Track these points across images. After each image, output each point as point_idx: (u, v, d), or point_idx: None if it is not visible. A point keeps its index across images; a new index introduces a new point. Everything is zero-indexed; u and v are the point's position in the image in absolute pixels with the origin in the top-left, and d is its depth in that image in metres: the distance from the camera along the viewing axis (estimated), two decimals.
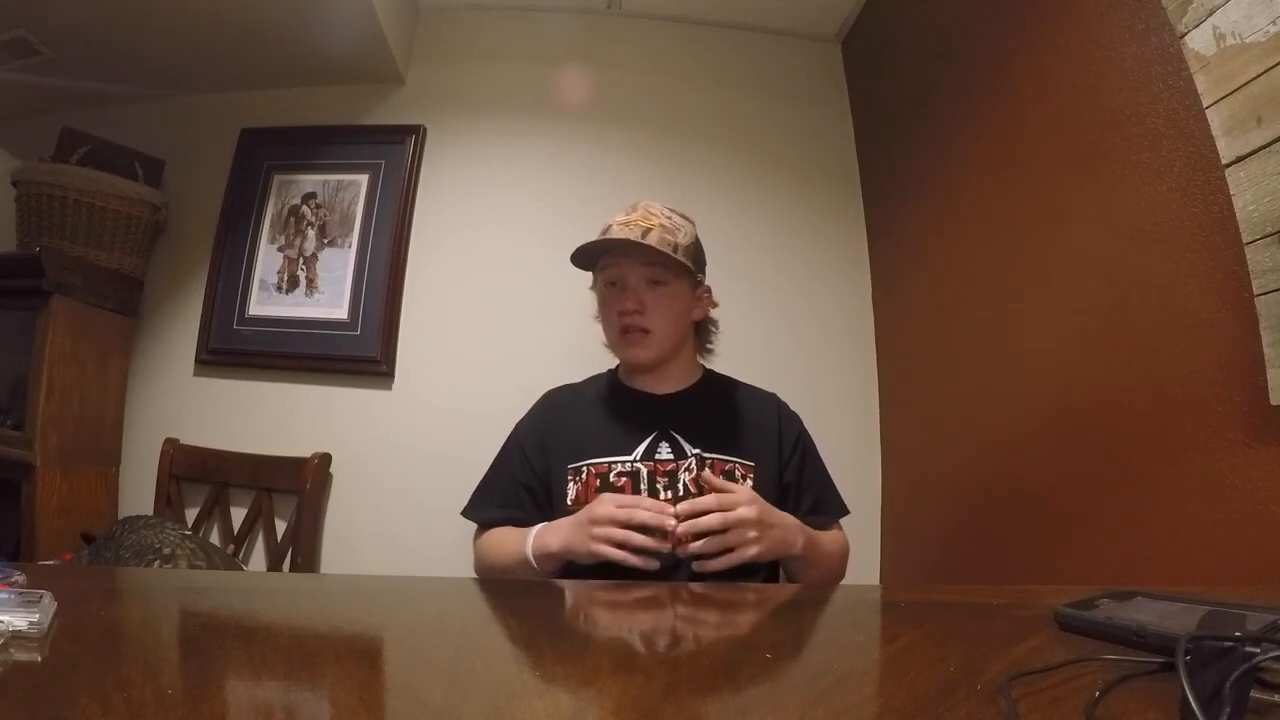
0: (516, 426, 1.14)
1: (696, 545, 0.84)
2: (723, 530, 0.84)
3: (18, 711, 0.32)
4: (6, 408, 1.63)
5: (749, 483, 1.01)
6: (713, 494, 0.86)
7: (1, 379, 1.66)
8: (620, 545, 0.84)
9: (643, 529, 0.84)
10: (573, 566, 0.91)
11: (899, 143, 1.68)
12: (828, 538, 1.00)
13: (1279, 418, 0.71)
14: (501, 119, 1.90)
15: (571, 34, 1.94)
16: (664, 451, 1.01)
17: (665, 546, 0.85)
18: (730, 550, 0.84)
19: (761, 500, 0.89)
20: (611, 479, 0.99)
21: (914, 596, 0.74)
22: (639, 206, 1.07)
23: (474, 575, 1.03)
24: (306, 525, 1.62)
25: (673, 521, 0.84)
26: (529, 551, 0.91)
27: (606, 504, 0.86)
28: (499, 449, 1.13)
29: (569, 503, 0.99)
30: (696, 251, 1.08)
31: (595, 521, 0.85)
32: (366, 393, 1.76)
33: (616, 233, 1.02)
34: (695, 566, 0.85)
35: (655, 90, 1.93)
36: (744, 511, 0.85)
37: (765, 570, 1.05)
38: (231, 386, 1.80)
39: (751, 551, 0.84)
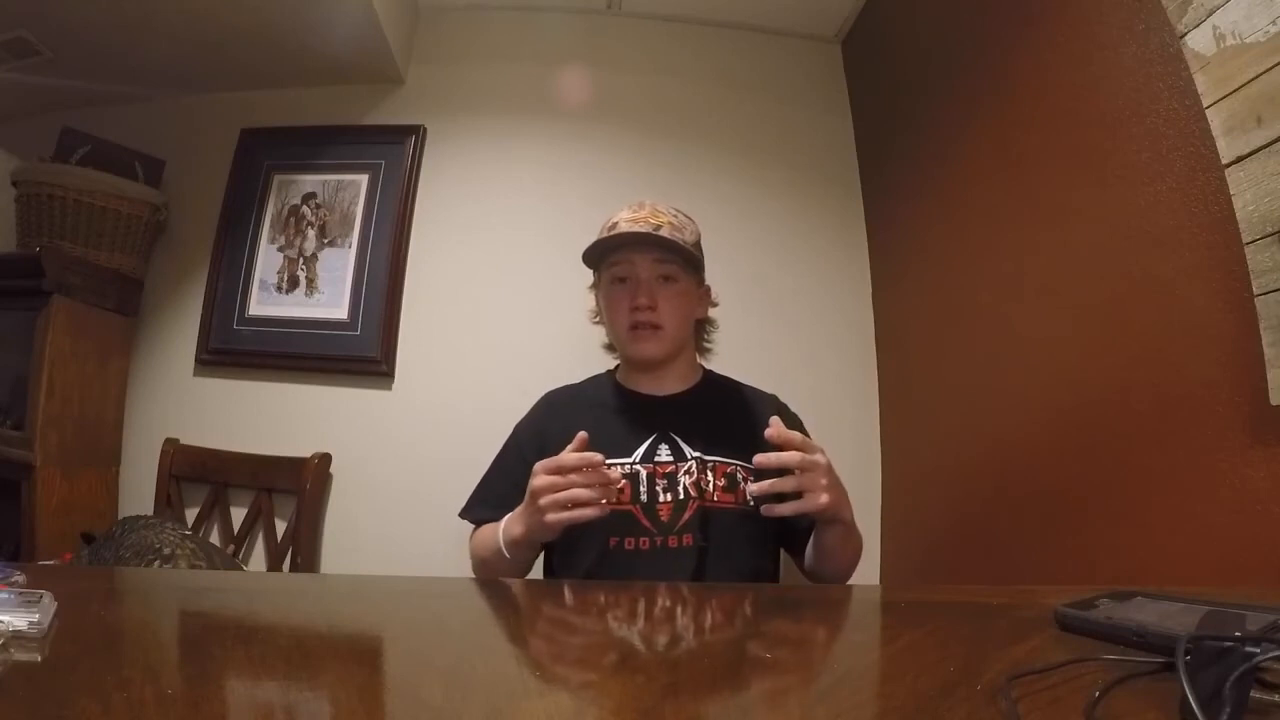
0: (516, 428, 1.14)
1: (767, 485, 0.82)
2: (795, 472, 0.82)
3: (18, 711, 0.32)
4: (6, 408, 1.63)
5: (751, 486, 1.00)
6: (796, 436, 0.84)
7: (1, 379, 1.66)
8: (572, 503, 0.83)
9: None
10: (563, 550, 0.91)
11: (899, 143, 1.68)
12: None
13: (1279, 418, 0.71)
14: (501, 119, 1.90)
15: (571, 34, 1.94)
16: (663, 453, 1.01)
17: (614, 485, 0.85)
18: (798, 496, 0.82)
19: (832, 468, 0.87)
20: None
21: (914, 596, 0.74)
22: (646, 205, 1.07)
23: (473, 575, 1.03)
24: (306, 525, 1.62)
25: (599, 456, 0.84)
26: (501, 542, 0.92)
27: (538, 475, 0.85)
28: (499, 450, 1.13)
29: None
30: (700, 249, 1.09)
31: (536, 496, 0.84)
32: (366, 393, 1.76)
33: (626, 229, 1.02)
34: (764, 510, 0.84)
35: (655, 90, 1.92)
36: (821, 458, 0.83)
37: (768, 571, 1.05)
38: (231, 386, 1.80)
39: (822, 500, 0.82)
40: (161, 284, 1.88)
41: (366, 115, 1.92)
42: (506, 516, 0.94)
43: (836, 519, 0.89)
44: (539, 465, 0.87)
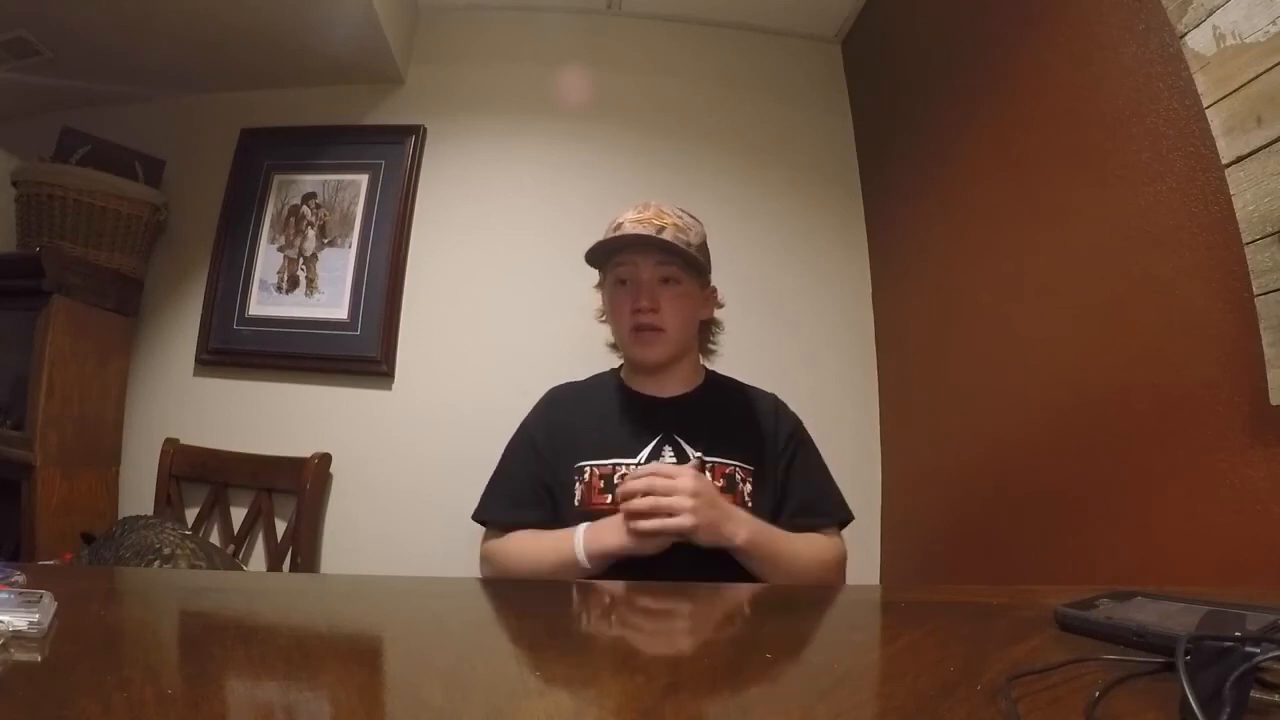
0: (524, 424, 1.12)
1: (636, 504, 0.86)
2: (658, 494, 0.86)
3: (18, 711, 0.32)
4: (6, 408, 1.63)
5: (749, 486, 1.00)
6: (655, 465, 0.88)
7: (1, 379, 1.66)
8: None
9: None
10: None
11: (899, 143, 1.68)
12: (801, 541, 0.96)
13: (1279, 418, 0.71)
14: (501, 119, 1.90)
15: (571, 34, 1.95)
16: (668, 455, 1.01)
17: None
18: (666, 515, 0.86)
19: (709, 484, 0.91)
20: (615, 481, 0.99)
21: (914, 596, 0.74)
22: (651, 205, 1.06)
23: (476, 575, 1.02)
24: (306, 525, 1.62)
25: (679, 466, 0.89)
26: (580, 552, 0.89)
27: (639, 496, 0.87)
28: (505, 448, 1.11)
29: (575, 504, 0.99)
30: (706, 251, 1.08)
31: (632, 518, 0.87)
32: (366, 393, 1.76)
33: (630, 230, 1.01)
34: (632, 525, 0.87)
35: (655, 90, 1.93)
36: (680, 483, 0.86)
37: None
38: (231, 386, 1.80)
39: (686, 521, 0.84)
40: (161, 284, 1.88)
41: (366, 115, 1.93)
42: (583, 526, 0.92)
43: (717, 542, 0.88)
44: (638, 484, 0.88)
